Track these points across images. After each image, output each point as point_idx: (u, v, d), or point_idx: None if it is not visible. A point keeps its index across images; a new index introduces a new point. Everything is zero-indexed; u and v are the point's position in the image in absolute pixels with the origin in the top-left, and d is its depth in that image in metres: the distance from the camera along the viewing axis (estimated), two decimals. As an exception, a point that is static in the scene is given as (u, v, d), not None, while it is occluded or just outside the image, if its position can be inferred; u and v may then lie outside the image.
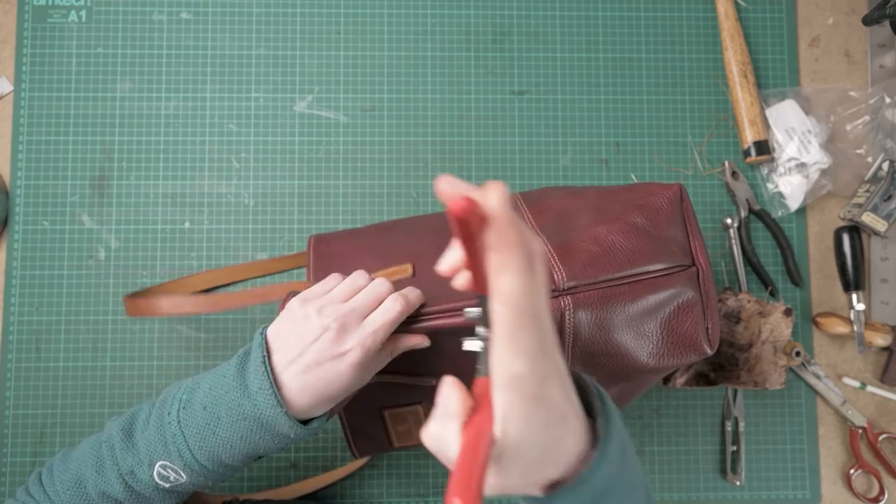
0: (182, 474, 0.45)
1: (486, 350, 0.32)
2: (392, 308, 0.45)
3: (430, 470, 0.68)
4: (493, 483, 0.31)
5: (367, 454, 0.60)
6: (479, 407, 0.31)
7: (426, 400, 0.56)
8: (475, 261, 0.30)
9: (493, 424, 0.30)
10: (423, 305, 0.48)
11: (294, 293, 0.49)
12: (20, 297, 0.68)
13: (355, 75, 0.72)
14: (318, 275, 0.56)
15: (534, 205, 0.58)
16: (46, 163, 0.69)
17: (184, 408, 0.45)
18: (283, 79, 0.72)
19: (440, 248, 0.55)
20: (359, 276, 0.48)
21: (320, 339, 0.43)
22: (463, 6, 0.73)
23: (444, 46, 0.73)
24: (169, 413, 0.45)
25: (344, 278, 0.48)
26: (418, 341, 0.48)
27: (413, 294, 0.47)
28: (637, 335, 0.50)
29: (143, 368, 0.68)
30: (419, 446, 0.60)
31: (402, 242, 0.58)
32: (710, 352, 0.51)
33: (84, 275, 0.68)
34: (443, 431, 0.31)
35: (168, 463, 0.45)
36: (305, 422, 0.46)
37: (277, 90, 0.71)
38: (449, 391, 0.32)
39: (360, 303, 0.45)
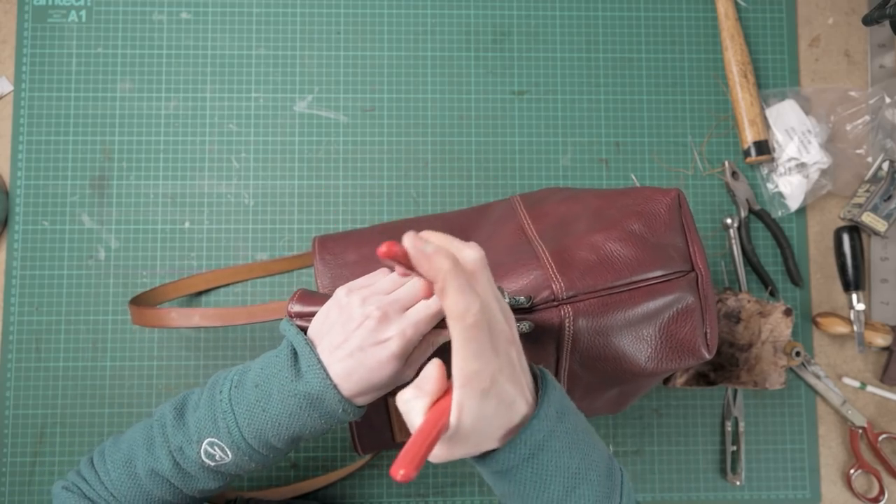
0: (228, 452, 0.47)
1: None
2: (435, 302, 0.46)
3: (430, 470, 0.68)
4: (439, 454, 0.38)
5: (370, 450, 0.60)
6: (449, 392, 0.38)
7: None
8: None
9: (450, 411, 0.36)
10: None
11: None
12: (20, 297, 0.68)
13: (355, 75, 0.72)
14: (324, 279, 0.57)
15: (532, 209, 0.58)
16: (46, 163, 0.69)
17: (235, 387, 0.47)
18: (283, 79, 0.72)
19: None
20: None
21: (362, 326, 0.45)
22: (463, 6, 0.73)
23: (444, 46, 0.73)
24: (220, 391, 0.47)
25: (391, 273, 0.50)
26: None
27: None
28: (635, 340, 0.50)
29: (143, 368, 0.68)
30: None
31: None
32: (708, 356, 0.51)
33: (84, 275, 0.68)
34: (413, 402, 0.37)
35: (216, 440, 0.46)
36: None
37: (277, 90, 0.71)
38: (432, 370, 0.38)
39: (401, 295, 0.47)
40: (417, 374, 0.48)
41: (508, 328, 0.38)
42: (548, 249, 0.52)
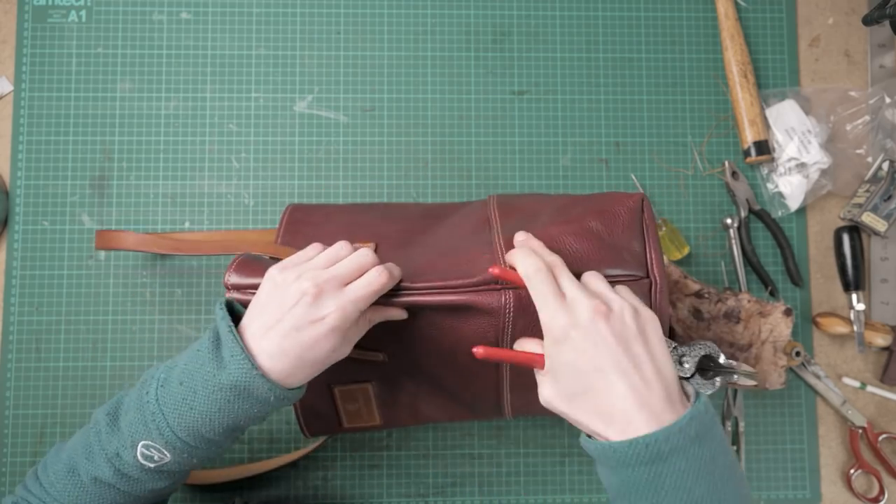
0: (165, 452, 0.45)
1: None
2: (376, 279, 0.46)
3: (430, 470, 0.68)
4: (545, 392, 0.45)
5: (318, 433, 0.60)
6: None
7: (376, 379, 0.56)
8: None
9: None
10: (400, 281, 0.49)
11: (273, 259, 0.50)
12: (20, 297, 0.68)
13: (355, 75, 0.72)
14: (287, 237, 0.57)
15: (503, 205, 0.58)
16: (46, 163, 0.69)
17: (161, 386, 0.45)
18: (283, 79, 0.72)
19: (409, 233, 0.56)
20: (341, 245, 0.48)
21: (298, 303, 0.44)
22: (463, 6, 0.73)
23: (444, 46, 0.73)
24: (147, 393, 0.46)
25: (325, 248, 0.49)
26: (397, 313, 0.49)
27: (396, 269, 0.48)
28: None
29: (143, 368, 0.68)
30: (371, 429, 0.60)
31: (373, 223, 0.58)
32: None
33: (84, 275, 0.68)
34: (530, 344, 0.48)
35: (150, 442, 0.45)
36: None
37: (277, 90, 0.71)
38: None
39: (340, 271, 0.46)
40: (353, 351, 0.48)
41: (595, 303, 0.43)
42: (503, 237, 0.52)
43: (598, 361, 0.42)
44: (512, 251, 0.48)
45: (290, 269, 0.46)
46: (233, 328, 0.45)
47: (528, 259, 0.46)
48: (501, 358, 0.47)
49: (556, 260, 0.47)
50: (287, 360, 0.44)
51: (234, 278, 0.49)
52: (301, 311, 0.44)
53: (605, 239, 0.51)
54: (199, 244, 0.59)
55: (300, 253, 0.48)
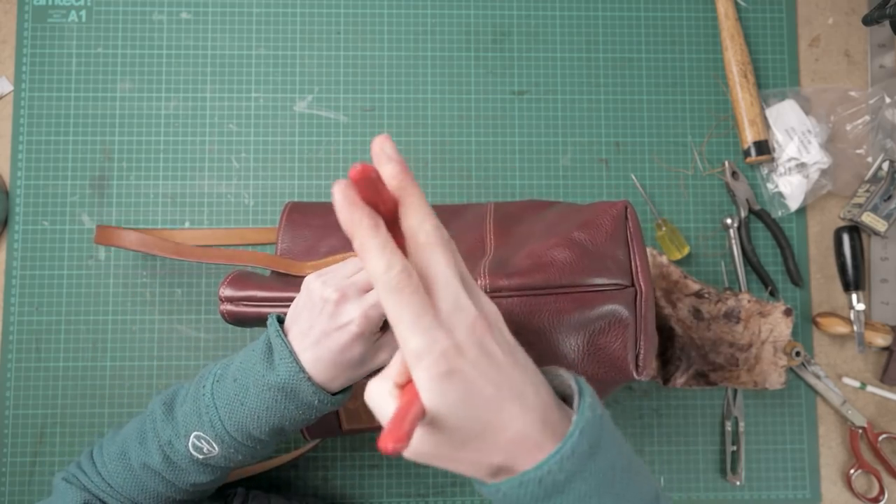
0: (214, 445, 0.47)
1: None
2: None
3: (431, 470, 0.68)
4: (424, 450, 0.33)
5: (318, 436, 0.60)
6: None
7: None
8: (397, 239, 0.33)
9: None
10: None
11: (274, 274, 0.51)
12: (20, 297, 0.68)
13: (355, 75, 0.72)
14: (285, 238, 0.58)
15: (499, 224, 0.57)
16: (46, 163, 0.69)
17: (217, 381, 0.48)
18: (283, 79, 0.72)
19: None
20: None
21: (323, 310, 0.45)
22: (463, 6, 0.73)
23: (444, 46, 0.73)
24: (204, 386, 0.48)
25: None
26: None
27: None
28: (559, 346, 0.48)
29: (143, 368, 0.68)
30: (371, 430, 0.60)
31: None
32: (636, 377, 0.49)
33: (84, 275, 0.68)
34: (380, 389, 0.34)
35: (202, 434, 0.47)
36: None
37: (277, 90, 0.71)
38: (397, 356, 0.35)
39: (362, 276, 0.46)
40: None
41: (477, 312, 0.33)
42: (491, 259, 0.51)
43: (492, 390, 0.32)
44: (343, 204, 0.32)
45: (321, 277, 0.47)
46: (281, 333, 0.46)
47: (381, 259, 0.31)
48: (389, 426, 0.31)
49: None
50: (322, 364, 0.45)
51: (227, 291, 0.51)
52: (326, 318, 0.45)
53: (589, 248, 0.50)
54: (201, 252, 0.59)
55: (337, 265, 0.49)
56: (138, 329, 0.68)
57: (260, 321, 0.52)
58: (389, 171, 0.33)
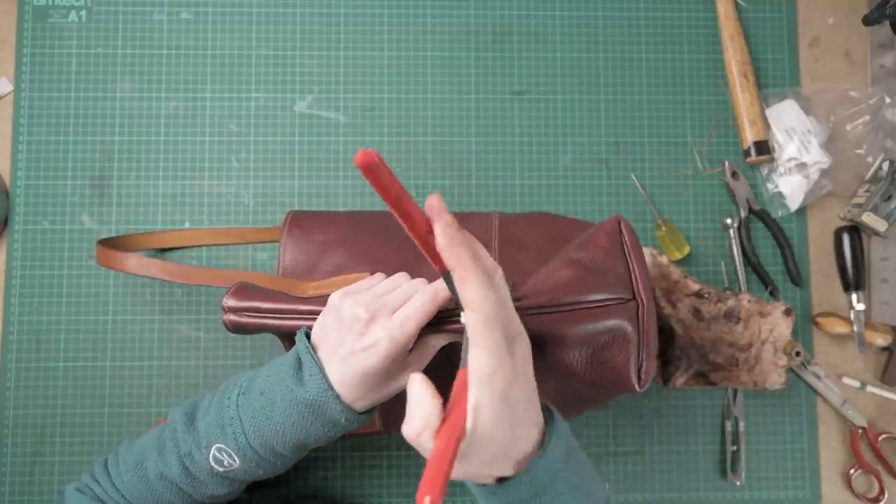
0: (235, 458, 0.47)
1: (466, 340, 0.37)
2: (420, 301, 0.45)
3: (430, 470, 0.68)
4: (458, 474, 0.37)
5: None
6: (457, 399, 0.36)
7: None
8: (428, 248, 0.37)
9: (466, 417, 0.35)
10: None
11: (278, 293, 0.52)
12: (20, 297, 0.68)
13: (355, 75, 0.72)
14: (286, 255, 0.58)
15: (504, 244, 0.57)
16: (46, 163, 0.69)
17: (243, 393, 0.47)
18: (283, 79, 0.72)
19: (402, 257, 0.55)
20: (400, 276, 0.49)
21: (352, 329, 0.45)
22: (463, 6, 0.73)
23: (444, 46, 0.73)
24: (229, 398, 0.47)
25: (386, 278, 0.49)
26: (455, 338, 0.49)
27: (441, 294, 0.47)
28: (562, 361, 0.49)
29: (143, 368, 0.68)
30: (372, 435, 0.60)
31: (370, 243, 0.58)
32: (638, 389, 0.49)
33: (84, 275, 0.68)
34: (419, 438, 0.35)
35: (223, 446, 0.46)
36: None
37: (277, 90, 0.71)
38: (420, 392, 0.36)
39: (392, 297, 0.46)
40: None
41: (525, 346, 0.38)
42: None
43: (523, 409, 0.37)
44: (449, 238, 0.35)
45: (351, 295, 0.47)
46: (311, 350, 0.46)
47: (484, 291, 0.35)
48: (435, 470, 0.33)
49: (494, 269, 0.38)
50: (349, 382, 0.44)
51: (231, 301, 0.51)
52: (354, 337, 0.44)
53: (588, 265, 0.50)
54: (202, 274, 0.59)
55: (363, 281, 0.49)
56: (138, 329, 0.68)
57: (263, 331, 0.52)
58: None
